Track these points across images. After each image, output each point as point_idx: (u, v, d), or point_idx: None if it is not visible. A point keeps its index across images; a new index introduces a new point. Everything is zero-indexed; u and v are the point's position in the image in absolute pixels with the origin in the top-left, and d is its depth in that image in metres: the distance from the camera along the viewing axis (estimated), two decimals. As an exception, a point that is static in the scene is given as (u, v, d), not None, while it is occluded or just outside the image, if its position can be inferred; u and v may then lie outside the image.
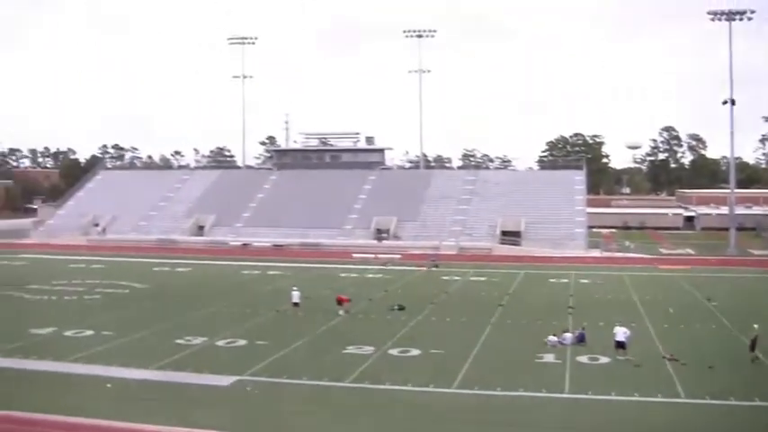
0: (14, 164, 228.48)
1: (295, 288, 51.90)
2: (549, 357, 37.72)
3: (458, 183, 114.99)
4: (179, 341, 40.78)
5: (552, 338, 40.61)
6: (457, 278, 70.66)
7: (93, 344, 40.02)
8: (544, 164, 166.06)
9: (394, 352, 38.76)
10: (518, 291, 62.71)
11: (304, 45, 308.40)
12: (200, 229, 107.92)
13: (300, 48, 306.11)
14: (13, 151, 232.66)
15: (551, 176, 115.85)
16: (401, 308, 51.85)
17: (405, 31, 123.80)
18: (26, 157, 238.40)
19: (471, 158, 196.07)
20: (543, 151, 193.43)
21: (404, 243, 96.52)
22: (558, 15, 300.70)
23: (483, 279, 70.25)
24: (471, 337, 42.61)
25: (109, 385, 32.38)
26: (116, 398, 30.85)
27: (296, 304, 50.05)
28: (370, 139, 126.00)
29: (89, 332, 43.29)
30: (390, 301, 54.82)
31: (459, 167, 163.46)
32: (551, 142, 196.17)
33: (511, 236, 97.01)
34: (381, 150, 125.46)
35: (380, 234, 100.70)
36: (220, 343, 40.70)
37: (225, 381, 33.19)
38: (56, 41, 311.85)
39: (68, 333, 43.04)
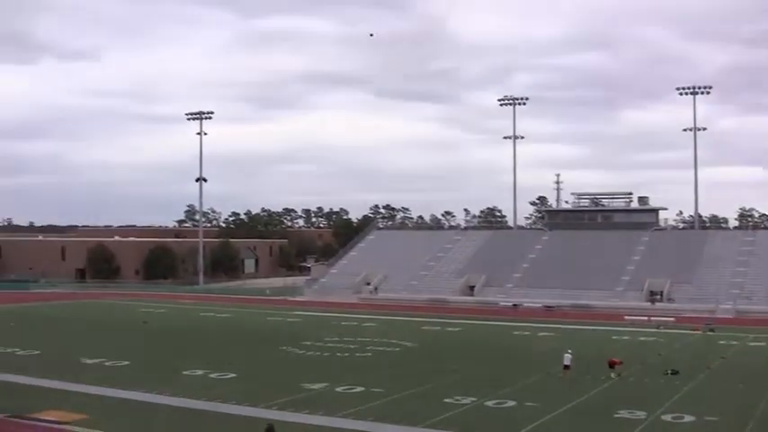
0: (289, 224, 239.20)
1: (569, 351, 51.04)
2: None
3: (735, 243, 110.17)
4: (448, 400, 40.81)
5: None
6: (734, 342, 67.24)
7: (363, 400, 40.79)
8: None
9: (667, 418, 37.16)
10: (805, 358, 58.84)
11: (567, 101, 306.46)
12: (470, 289, 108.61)
13: (566, 104, 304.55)
14: (287, 211, 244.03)
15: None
16: (675, 372, 49.87)
17: (678, 89, 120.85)
18: (300, 217, 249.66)
19: (749, 218, 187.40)
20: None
21: (678, 306, 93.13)
22: None
23: (763, 344, 66.53)
24: (749, 404, 40.25)
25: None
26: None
27: (566, 367, 49.17)
28: (643, 200, 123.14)
29: (360, 389, 44.18)
30: (664, 365, 52.77)
31: (736, 228, 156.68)
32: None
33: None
34: (655, 210, 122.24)
35: (654, 296, 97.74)
36: (489, 403, 40.41)
37: (493, 442, 32.90)
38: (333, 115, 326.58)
39: (339, 389, 44.09)
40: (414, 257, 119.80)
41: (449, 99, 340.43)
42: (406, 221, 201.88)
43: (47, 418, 36.14)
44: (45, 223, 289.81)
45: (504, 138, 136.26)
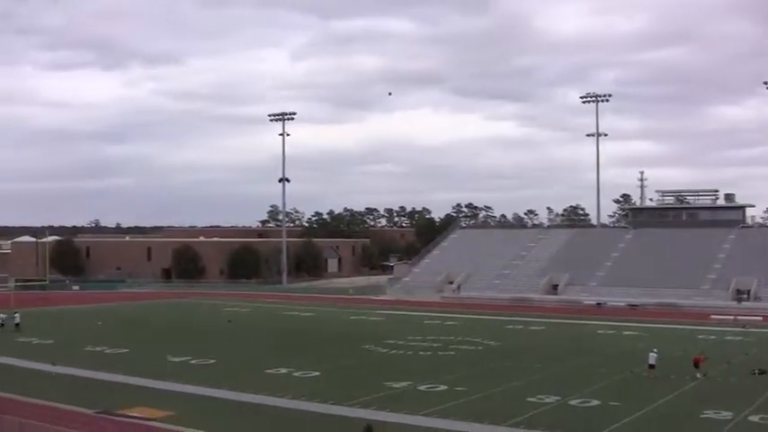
0: (371, 223, 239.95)
1: (654, 350, 50.42)
2: None
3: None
4: (531, 399, 40.67)
5: None
6: (824, 342, 65.79)
7: (446, 399, 40.85)
8: None
9: (754, 419, 36.50)
10: None
11: (651, 97, 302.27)
12: (553, 288, 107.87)
13: (649, 101, 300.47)
14: (370, 211, 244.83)
15: None
16: (762, 372, 48.92)
17: (766, 83, 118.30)
18: (382, 216, 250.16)
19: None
20: None
21: (765, 305, 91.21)
22: None
23: None
24: (842, 405, 39.36)
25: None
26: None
27: (651, 366, 48.62)
28: (729, 197, 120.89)
29: (442, 387, 44.25)
30: (751, 365, 51.79)
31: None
32: None
33: None
34: (741, 208, 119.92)
35: (740, 295, 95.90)
36: (573, 402, 40.17)
37: (577, 441, 32.71)
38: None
39: (422, 387, 44.21)
40: (496, 256, 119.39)
41: (530, 97, 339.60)
42: (489, 220, 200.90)
43: (134, 414, 36.97)
44: (131, 224, 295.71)
45: (587, 135, 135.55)
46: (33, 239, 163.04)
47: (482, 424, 35.29)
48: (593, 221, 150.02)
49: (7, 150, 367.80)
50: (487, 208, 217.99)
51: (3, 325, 72.63)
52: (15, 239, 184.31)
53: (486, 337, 67.37)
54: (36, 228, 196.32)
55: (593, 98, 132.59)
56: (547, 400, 40.43)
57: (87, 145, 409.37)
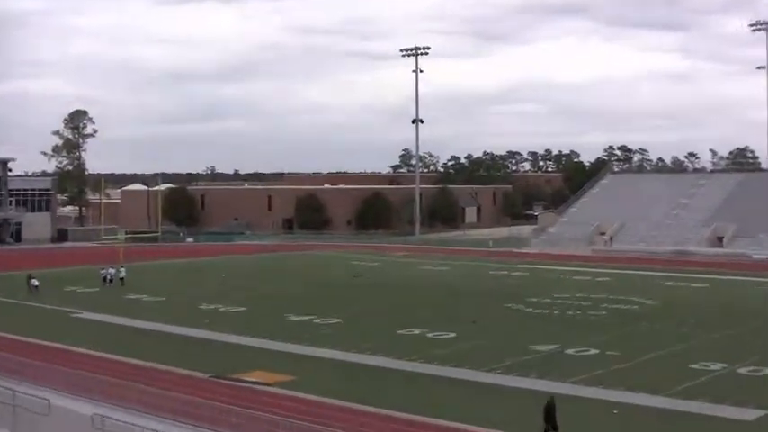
0: (514, 168, 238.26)
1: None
2: None
3: None
4: (694, 366, 39.68)
5: None
6: None
7: (597, 364, 40.19)
8: None
9: None
10: None
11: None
12: (718, 240, 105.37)
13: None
14: (512, 155, 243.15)
15: None
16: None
17: None
18: (526, 160, 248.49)
19: None
20: None
21: None
22: None
23: None
24: None
25: (615, 411, 32.27)
26: (624, 426, 30.80)
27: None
28: None
29: (593, 351, 43.60)
30: None
31: None
32: None
33: None
34: None
35: None
36: (742, 370, 39.00)
37: (749, 414, 31.70)
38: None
39: (570, 351, 43.66)
40: (653, 205, 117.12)
41: (690, 26, 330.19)
42: (645, 164, 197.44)
43: (250, 379, 37.34)
44: (250, 171, 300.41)
45: (758, 68, 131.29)
46: (145, 188, 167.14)
47: (638, 393, 34.52)
48: (764, 165, 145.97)
49: (116, 93, 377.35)
50: (643, 151, 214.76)
51: (110, 280, 74.09)
52: (125, 188, 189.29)
53: (642, 296, 66.02)
54: (147, 175, 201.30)
55: (764, 26, 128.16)
56: (712, 368, 39.45)
57: (203, 85, 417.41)
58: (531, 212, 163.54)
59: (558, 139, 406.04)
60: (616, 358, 41.66)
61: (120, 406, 31.53)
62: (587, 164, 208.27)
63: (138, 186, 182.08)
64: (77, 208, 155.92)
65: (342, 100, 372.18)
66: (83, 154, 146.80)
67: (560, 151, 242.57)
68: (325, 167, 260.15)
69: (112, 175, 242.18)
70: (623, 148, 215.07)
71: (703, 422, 31.09)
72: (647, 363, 41.05)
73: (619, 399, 33.95)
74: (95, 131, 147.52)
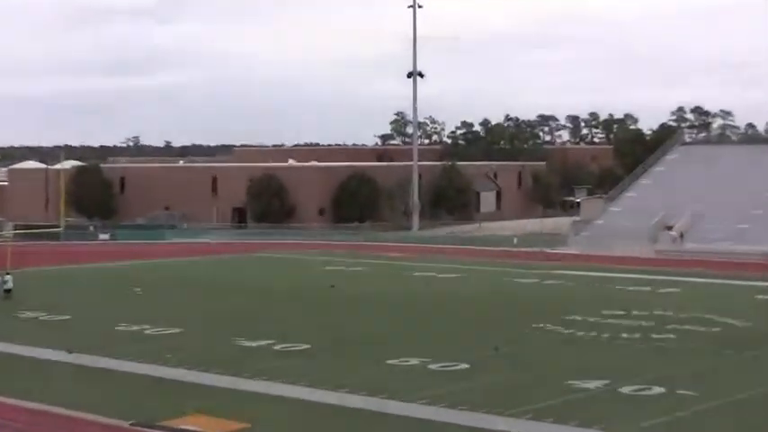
0: (547, 138, 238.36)
1: None
2: None
3: None
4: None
5: None
6: None
7: (664, 409, 39.97)
8: None
9: None
10: None
11: None
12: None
13: None
14: (544, 120, 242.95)
15: None
16: None
17: None
18: (564, 128, 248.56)
19: None
20: None
21: None
22: None
23: None
24: None
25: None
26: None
27: None
28: None
29: (658, 389, 43.36)
30: None
31: None
32: None
33: None
34: None
35: None
36: None
37: None
38: None
39: (626, 389, 43.47)
40: (742, 188, 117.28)
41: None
42: (728, 132, 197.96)
43: (188, 427, 37.16)
44: (186, 143, 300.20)
45: None
46: (42, 166, 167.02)
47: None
48: None
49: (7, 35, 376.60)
50: (725, 114, 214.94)
51: None
52: (15, 166, 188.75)
53: (726, 313, 65.96)
54: (46, 149, 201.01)
55: None
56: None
57: (123, 26, 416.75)
58: (571, 199, 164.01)
59: (607, 98, 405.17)
60: (690, 400, 41.44)
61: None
62: (648, 132, 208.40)
63: (32, 164, 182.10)
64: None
65: (312, 47, 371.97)
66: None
67: (611, 115, 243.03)
68: (289, 138, 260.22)
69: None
70: (698, 110, 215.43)
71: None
72: (733, 407, 40.89)
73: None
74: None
